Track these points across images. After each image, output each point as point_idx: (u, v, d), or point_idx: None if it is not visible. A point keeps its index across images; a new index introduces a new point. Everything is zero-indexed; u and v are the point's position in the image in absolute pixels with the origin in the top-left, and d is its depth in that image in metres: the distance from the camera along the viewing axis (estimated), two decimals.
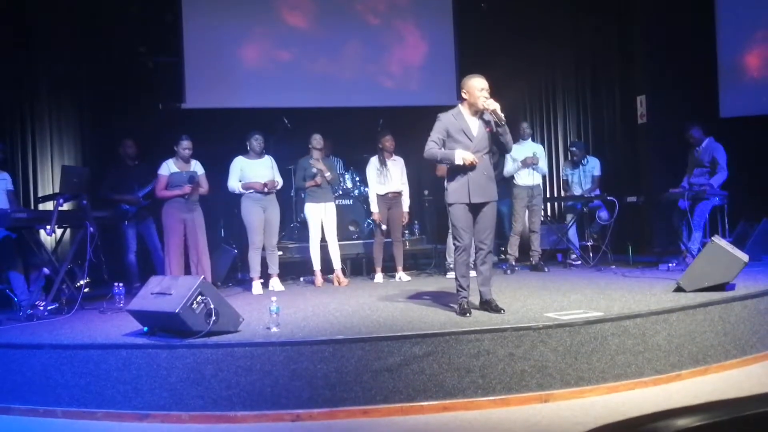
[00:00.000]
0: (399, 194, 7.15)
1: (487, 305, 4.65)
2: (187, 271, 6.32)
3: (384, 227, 7.08)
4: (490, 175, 4.70)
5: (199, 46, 8.85)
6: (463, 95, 4.69)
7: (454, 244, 4.77)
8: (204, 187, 6.52)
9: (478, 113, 4.67)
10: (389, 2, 9.57)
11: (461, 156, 4.53)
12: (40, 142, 7.96)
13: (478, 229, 4.67)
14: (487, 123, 4.66)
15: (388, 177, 7.09)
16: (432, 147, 4.67)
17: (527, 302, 4.95)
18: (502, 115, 4.56)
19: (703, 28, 8.89)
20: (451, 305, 4.94)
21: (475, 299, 4.72)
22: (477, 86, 4.60)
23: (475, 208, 4.65)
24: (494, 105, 4.53)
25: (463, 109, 4.69)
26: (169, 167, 6.39)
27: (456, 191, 4.64)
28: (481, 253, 4.70)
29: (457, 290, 4.67)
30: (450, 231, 7.12)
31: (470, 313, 4.52)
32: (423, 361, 3.86)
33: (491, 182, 4.70)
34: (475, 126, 4.66)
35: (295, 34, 9.21)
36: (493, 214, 4.73)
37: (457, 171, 4.64)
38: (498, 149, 4.93)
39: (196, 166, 6.52)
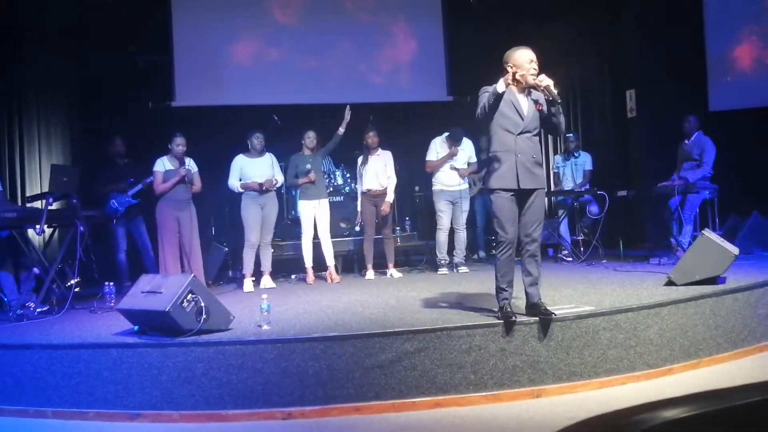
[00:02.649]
0: (384, 191, 7.09)
1: (536, 309, 4.06)
2: (181, 269, 6.28)
3: (358, 228, 7.01)
4: (539, 161, 4.14)
5: (189, 44, 8.82)
6: (509, 70, 4.06)
7: (497, 239, 4.16)
8: (197, 185, 6.50)
9: (526, 90, 4.15)
10: None
11: (502, 81, 3.97)
12: (27, 141, 7.88)
13: (525, 222, 4.09)
14: (536, 102, 4.13)
15: (367, 174, 7.06)
16: (481, 101, 4.09)
17: (518, 297, 4.93)
18: (556, 92, 4.01)
19: (691, 22, 8.92)
20: (442, 303, 4.94)
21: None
22: (525, 58, 4.06)
23: (522, 197, 4.09)
24: (548, 81, 3.98)
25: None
26: (164, 164, 6.39)
27: (501, 176, 4.06)
28: (529, 249, 4.10)
29: (498, 291, 4.14)
30: (438, 227, 7.20)
31: (516, 316, 4.00)
32: (415, 357, 3.85)
33: (540, 168, 4.17)
34: (525, 104, 4.11)
35: (285, 31, 9.20)
36: (542, 204, 4.20)
37: (501, 152, 4.09)
38: (548, 131, 4.46)
39: (190, 164, 6.51)
